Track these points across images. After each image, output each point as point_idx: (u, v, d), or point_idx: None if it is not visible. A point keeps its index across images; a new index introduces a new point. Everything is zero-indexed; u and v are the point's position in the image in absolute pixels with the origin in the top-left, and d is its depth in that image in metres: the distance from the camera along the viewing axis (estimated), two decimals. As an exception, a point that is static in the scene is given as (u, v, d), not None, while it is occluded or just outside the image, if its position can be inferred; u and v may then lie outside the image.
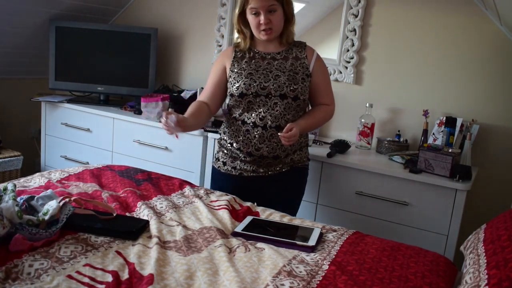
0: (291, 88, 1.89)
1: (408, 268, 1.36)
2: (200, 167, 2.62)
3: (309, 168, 2.12)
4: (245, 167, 1.98)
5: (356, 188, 2.26)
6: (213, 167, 2.10)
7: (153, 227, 1.46)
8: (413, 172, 2.14)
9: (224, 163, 2.02)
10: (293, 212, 2.08)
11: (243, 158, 1.97)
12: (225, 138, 2.02)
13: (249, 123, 1.91)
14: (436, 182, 2.08)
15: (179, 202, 1.72)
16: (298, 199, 2.13)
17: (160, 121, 1.87)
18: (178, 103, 2.80)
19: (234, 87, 1.91)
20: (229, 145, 1.99)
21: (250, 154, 1.94)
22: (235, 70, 1.94)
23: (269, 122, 1.90)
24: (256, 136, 1.91)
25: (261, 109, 1.90)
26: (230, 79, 1.94)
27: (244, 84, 1.89)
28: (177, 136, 1.75)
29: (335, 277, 1.26)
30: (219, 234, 1.46)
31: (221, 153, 2.05)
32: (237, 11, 1.92)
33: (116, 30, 3.09)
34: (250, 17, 1.89)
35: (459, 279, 1.36)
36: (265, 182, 2.00)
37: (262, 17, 1.85)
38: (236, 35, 2.04)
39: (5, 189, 1.33)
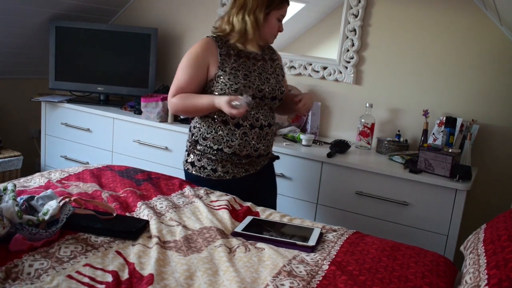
0: (281, 90, 1.97)
1: (408, 268, 1.36)
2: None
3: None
4: (237, 170, 1.95)
5: (356, 188, 2.26)
6: (198, 177, 1.96)
7: (153, 227, 1.46)
8: (413, 172, 2.14)
9: (214, 170, 1.93)
10: (275, 201, 2.17)
11: (236, 161, 1.92)
12: (208, 144, 1.90)
13: (245, 125, 1.88)
14: (436, 182, 2.08)
15: (179, 202, 1.72)
16: (276, 187, 2.20)
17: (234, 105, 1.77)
18: (178, 103, 2.80)
19: (231, 89, 1.83)
20: (215, 151, 1.90)
21: (248, 156, 1.92)
22: (227, 70, 1.84)
23: (263, 122, 1.92)
24: (254, 137, 1.91)
25: (254, 111, 1.89)
26: (221, 79, 1.84)
27: (243, 86, 1.85)
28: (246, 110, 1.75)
29: (335, 277, 1.26)
30: (219, 234, 1.46)
31: (205, 160, 1.93)
32: (262, 12, 1.82)
33: (116, 30, 3.09)
34: (274, 21, 1.87)
35: (459, 279, 1.36)
36: (255, 179, 2.02)
37: (281, 24, 1.92)
38: (220, 28, 1.89)
39: (5, 189, 1.33)
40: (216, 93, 1.85)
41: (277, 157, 2.13)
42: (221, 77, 1.84)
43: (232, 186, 1.95)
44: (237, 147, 1.89)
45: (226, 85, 1.84)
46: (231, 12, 1.88)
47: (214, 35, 1.91)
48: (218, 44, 1.87)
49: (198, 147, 1.94)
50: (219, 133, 1.89)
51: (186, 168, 2.02)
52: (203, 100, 1.83)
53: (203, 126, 1.92)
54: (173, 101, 1.90)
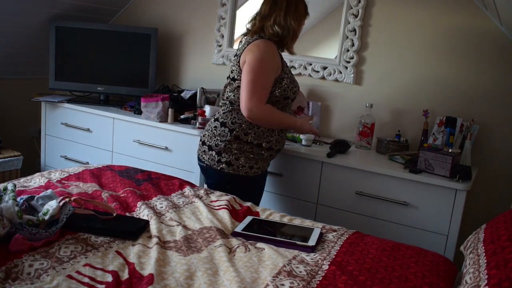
0: None
1: (408, 268, 1.36)
2: (200, 167, 2.62)
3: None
4: (263, 164, 2.08)
5: (356, 188, 2.26)
6: (236, 175, 2.00)
7: (153, 227, 1.46)
8: (413, 172, 2.14)
9: (251, 167, 2.01)
10: None
11: (267, 156, 2.05)
12: (249, 140, 1.97)
13: None
14: (436, 182, 2.08)
15: (179, 202, 1.72)
16: None
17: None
18: (178, 103, 2.80)
19: (292, 91, 1.99)
20: (251, 148, 1.99)
21: (278, 150, 2.10)
22: (288, 73, 1.99)
23: None
24: (285, 133, 2.11)
25: (288, 109, 2.08)
26: (285, 81, 1.96)
27: (298, 89, 2.05)
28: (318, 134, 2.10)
29: (335, 277, 1.26)
30: (219, 234, 1.46)
31: (243, 159, 1.99)
32: (302, 18, 2.02)
33: (116, 30, 3.09)
34: (301, 27, 2.05)
35: (459, 279, 1.36)
36: (267, 170, 2.22)
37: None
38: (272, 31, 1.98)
39: (5, 189, 1.33)
40: (278, 94, 1.95)
41: None
42: (284, 79, 1.96)
43: (261, 179, 2.13)
44: (274, 142, 2.03)
45: (288, 87, 1.98)
46: (275, 15, 1.95)
47: (269, 38, 1.96)
48: (277, 47, 1.98)
49: (235, 145, 1.98)
50: (260, 129, 1.98)
51: (219, 168, 2.01)
52: (289, 121, 2.03)
53: (244, 122, 1.97)
54: (265, 110, 1.92)
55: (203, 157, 2.06)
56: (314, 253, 1.40)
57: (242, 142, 1.98)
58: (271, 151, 2.05)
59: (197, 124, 2.61)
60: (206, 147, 2.04)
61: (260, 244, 1.43)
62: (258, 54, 1.88)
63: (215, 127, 2.02)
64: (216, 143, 2.00)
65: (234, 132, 1.97)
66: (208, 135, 2.05)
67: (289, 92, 1.97)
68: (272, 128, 2.01)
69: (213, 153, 2.01)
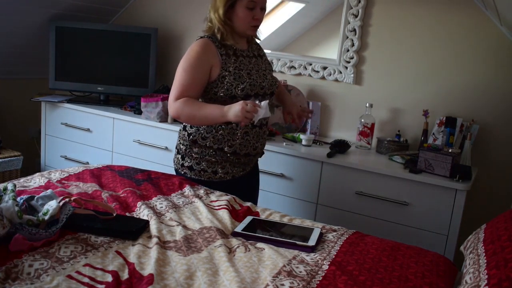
0: (276, 85, 2.00)
1: (408, 268, 1.36)
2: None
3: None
4: (235, 169, 1.95)
5: (356, 188, 2.26)
6: (198, 180, 1.93)
7: (153, 227, 1.46)
8: (413, 172, 2.14)
9: (215, 172, 1.92)
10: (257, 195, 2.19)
11: (235, 161, 1.92)
12: (207, 144, 1.88)
13: (248, 125, 1.85)
14: (436, 182, 2.08)
15: (179, 202, 1.72)
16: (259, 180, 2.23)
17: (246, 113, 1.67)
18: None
19: (238, 88, 1.81)
20: (214, 151, 1.88)
21: (247, 155, 1.93)
22: (231, 70, 1.81)
23: (262, 121, 1.91)
24: (254, 136, 1.91)
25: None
26: (226, 79, 1.81)
27: (249, 85, 1.83)
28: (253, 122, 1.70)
29: (335, 277, 1.26)
30: (219, 234, 1.46)
31: (204, 163, 1.91)
32: (223, 8, 1.79)
33: (116, 30, 3.09)
34: (244, 11, 1.79)
35: (459, 279, 1.36)
36: (249, 176, 2.05)
37: (257, 12, 1.82)
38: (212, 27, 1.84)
39: (5, 189, 1.33)
40: (222, 94, 1.81)
41: (263, 153, 2.10)
42: (226, 77, 1.81)
43: (232, 185, 1.95)
44: (238, 146, 1.88)
45: (232, 85, 1.81)
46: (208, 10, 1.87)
47: (209, 36, 1.85)
48: (217, 45, 1.82)
49: (196, 150, 1.90)
50: (219, 133, 1.87)
51: (183, 173, 1.96)
52: (211, 110, 1.75)
53: (202, 126, 1.88)
54: (177, 105, 1.78)
55: (174, 160, 2.03)
56: (314, 253, 1.40)
57: (202, 147, 1.88)
58: (237, 156, 1.90)
59: (197, 124, 2.61)
60: (176, 150, 2.00)
61: (260, 244, 1.43)
62: (185, 55, 1.82)
63: (180, 130, 1.97)
64: (179, 147, 1.96)
65: (191, 137, 1.90)
66: (178, 139, 2.00)
67: (233, 90, 1.80)
68: (200, 124, 1.84)
69: (179, 156, 1.97)
